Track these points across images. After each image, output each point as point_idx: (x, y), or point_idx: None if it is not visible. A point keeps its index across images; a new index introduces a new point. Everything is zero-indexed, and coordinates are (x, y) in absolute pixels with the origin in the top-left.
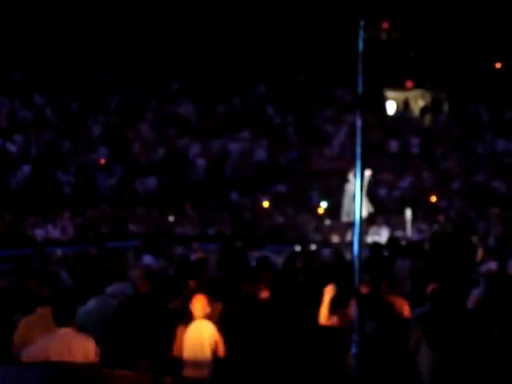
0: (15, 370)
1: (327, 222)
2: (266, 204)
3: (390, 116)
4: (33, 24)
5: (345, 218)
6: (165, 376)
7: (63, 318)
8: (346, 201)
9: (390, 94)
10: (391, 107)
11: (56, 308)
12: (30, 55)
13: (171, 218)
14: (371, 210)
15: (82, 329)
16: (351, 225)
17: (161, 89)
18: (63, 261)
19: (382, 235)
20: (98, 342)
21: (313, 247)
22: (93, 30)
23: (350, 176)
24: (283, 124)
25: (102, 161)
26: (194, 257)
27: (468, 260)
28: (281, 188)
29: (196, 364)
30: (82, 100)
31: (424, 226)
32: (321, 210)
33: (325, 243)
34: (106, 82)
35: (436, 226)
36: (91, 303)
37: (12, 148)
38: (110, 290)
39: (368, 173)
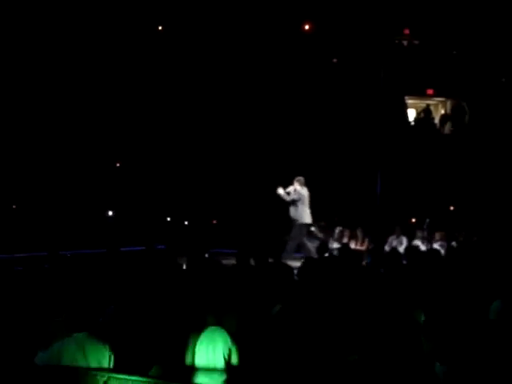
0: None
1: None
2: None
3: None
4: None
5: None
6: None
7: (78, 323)
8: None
9: (410, 101)
10: (411, 115)
11: (71, 313)
12: None
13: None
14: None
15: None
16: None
17: None
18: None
19: (401, 244)
20: (114, 348)
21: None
22: None
23: (296, 184)
24: None
25: None
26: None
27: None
28: None
29: (208, 372)
30: None
31: (441, 236)
32: None
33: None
34: None
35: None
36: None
37: None
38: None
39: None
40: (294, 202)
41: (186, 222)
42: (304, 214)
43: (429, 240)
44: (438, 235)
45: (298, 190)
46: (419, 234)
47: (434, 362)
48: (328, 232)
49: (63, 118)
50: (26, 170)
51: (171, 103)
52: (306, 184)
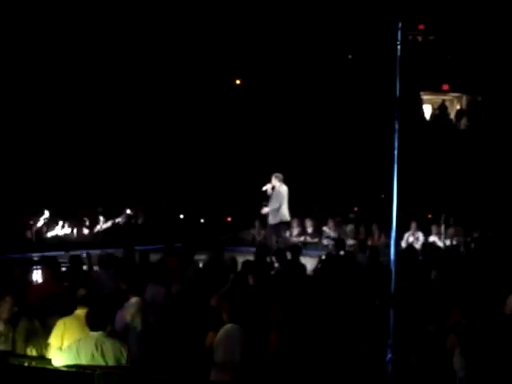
0: None
1: None
2: None
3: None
4: None
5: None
6: (195, 380)
7: (97, 322)
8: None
9: (425, 97)
10: (427, 110)
11: (90, 311)
12: None
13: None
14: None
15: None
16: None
17: None
18: (105, 262)
19: (417, 240)
20: (134, 346)
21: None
22: None
23: (274, 181)
24: None
25: None
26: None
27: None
28: None
29: (226, 368)
30: None
31: (457, 231)
32: None
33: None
34: None
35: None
36: (129, 305)
37: None
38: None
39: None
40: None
41: (202, 220)
42: (285, 212)
43: (445, 236)
44: (453, 230)
45: (276, 187)
46: (435, 229)
47: (451, 354)
48: (342, 229)
49: (79, 116)
50: (41, 168)
51: (185, 99)
52: (327, 180)
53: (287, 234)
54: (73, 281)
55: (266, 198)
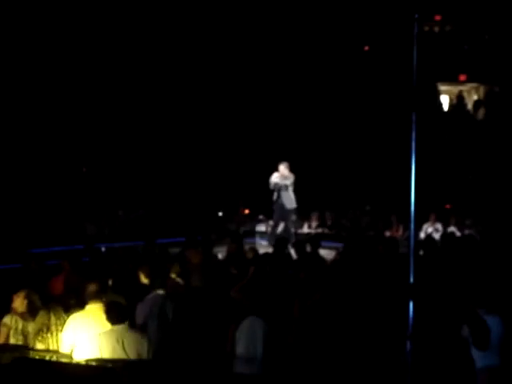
0: None
1: None
2: None
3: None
4: None
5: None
6: (216, 372)
7: (118, 315)
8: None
9: (443, 87)
10: (444, 101)
11: (110, 306)
12: None
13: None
14: (295, 205)
15: (140, 325)
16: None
17: None
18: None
19: (437, 231)
20: (154, 339)
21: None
22: None
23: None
24: None
25: None
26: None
27: None
28: None
29: (248, 361)
30: None
31: (469, 222)
32: None
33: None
34: None
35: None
36: (149, 299)
37: None
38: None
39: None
40: (287, 187)
41: (220, 213)
42: (293, 199)
43: (463, 226)
44: (471, 221)
45: (287, 175)
46: (453, 220)
47: (470, 346)
48: (359, 221)
49: (95, 111)
50: (58, 164)
51: (202, 94)
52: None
53: (306, 226)
54: (91, 275)
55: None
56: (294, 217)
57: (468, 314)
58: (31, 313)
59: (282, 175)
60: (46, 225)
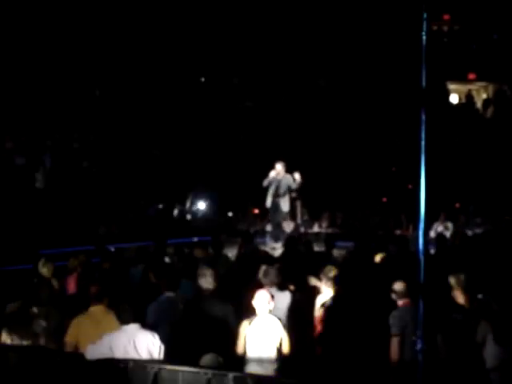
0: None
1: None
2: None
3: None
4: None
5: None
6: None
7: (129, 316)
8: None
9: (452, 86)
10: (454, 100)
11: (122, 305)
12: None
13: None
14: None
15: (151, 325)
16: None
17: None
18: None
19: (447, 230)
20: (165, 339)
21: None
22: None
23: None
24: None
25: None
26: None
27: None
28: None
29: (260, 361)
30: None
31: (480, 220)
32: None
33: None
34: None
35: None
36: (160, 300)
37: None
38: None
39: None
40: (290, 191)
41: (230, 214)
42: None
43: (473, 224)
44: (481, 219)
45: (283, 174)
46: (463, 219)
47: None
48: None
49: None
50: (73, 164)
51: (216, 95)
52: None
53: (316, 226)
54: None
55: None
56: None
57: (488, 309)
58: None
59: (278, 174)
60: (57, 225)
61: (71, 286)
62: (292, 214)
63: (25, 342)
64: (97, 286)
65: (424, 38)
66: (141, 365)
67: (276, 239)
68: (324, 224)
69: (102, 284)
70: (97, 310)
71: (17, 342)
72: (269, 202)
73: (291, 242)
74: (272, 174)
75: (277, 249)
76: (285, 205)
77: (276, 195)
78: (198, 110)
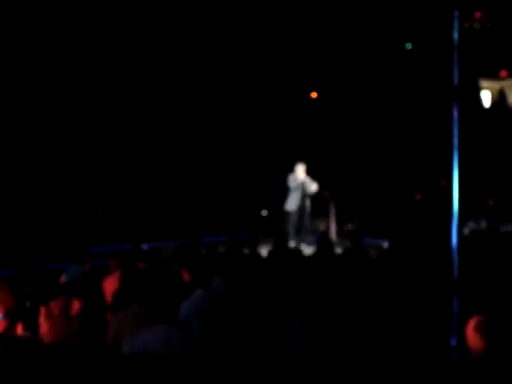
0: None
1: None
2: None
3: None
4: None
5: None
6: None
7: (161, 314)
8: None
9: (484, 83)
10: (486, 97)
11: (153, 303)
12: None
13: (264, 213)
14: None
15: (184, 323)
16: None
17: None
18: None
19: (480, 226)
20: (198, 337)
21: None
22: None
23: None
24: None
25: None
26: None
27: None
28: None
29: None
30: None
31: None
32: None
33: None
34: None
35: None
36: (193, 297)
37: None
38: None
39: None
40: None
41: (265, 212)
42: None
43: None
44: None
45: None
46: (496, 216)
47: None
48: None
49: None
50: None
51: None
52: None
53: (348, 225)
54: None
55: None
56: None
57: None
58: None
59: (299, 176)
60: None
61: (111, 285)
62: (324, 214)
63: None
64: (134, 286)
65: (456, 35)
66: (173, 362)
67: (302, 240)
68: (354, 224)
69: (139, 283)
70: (134, 308)
71: None
72: (294, 203)
73: (324, 241)
74: (299, 175)
75: (305, 249)
76: (309, 206)
77: (302, 197)
78: (225, 110)
